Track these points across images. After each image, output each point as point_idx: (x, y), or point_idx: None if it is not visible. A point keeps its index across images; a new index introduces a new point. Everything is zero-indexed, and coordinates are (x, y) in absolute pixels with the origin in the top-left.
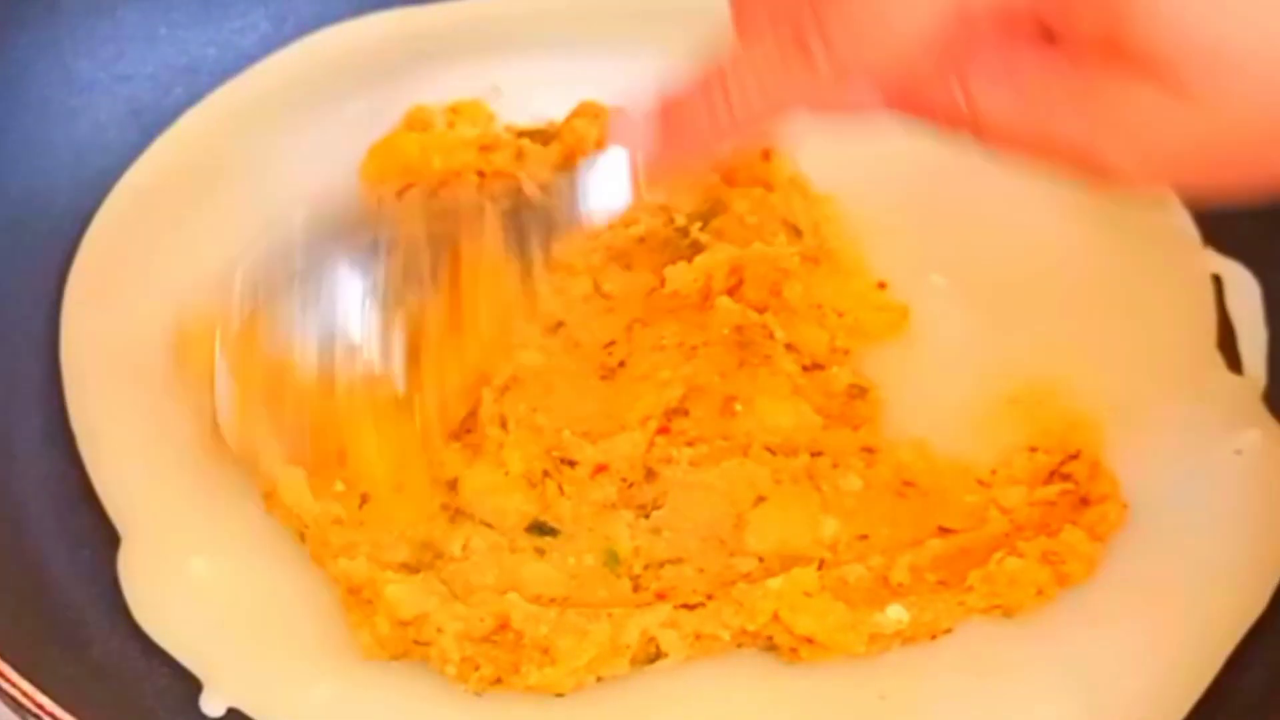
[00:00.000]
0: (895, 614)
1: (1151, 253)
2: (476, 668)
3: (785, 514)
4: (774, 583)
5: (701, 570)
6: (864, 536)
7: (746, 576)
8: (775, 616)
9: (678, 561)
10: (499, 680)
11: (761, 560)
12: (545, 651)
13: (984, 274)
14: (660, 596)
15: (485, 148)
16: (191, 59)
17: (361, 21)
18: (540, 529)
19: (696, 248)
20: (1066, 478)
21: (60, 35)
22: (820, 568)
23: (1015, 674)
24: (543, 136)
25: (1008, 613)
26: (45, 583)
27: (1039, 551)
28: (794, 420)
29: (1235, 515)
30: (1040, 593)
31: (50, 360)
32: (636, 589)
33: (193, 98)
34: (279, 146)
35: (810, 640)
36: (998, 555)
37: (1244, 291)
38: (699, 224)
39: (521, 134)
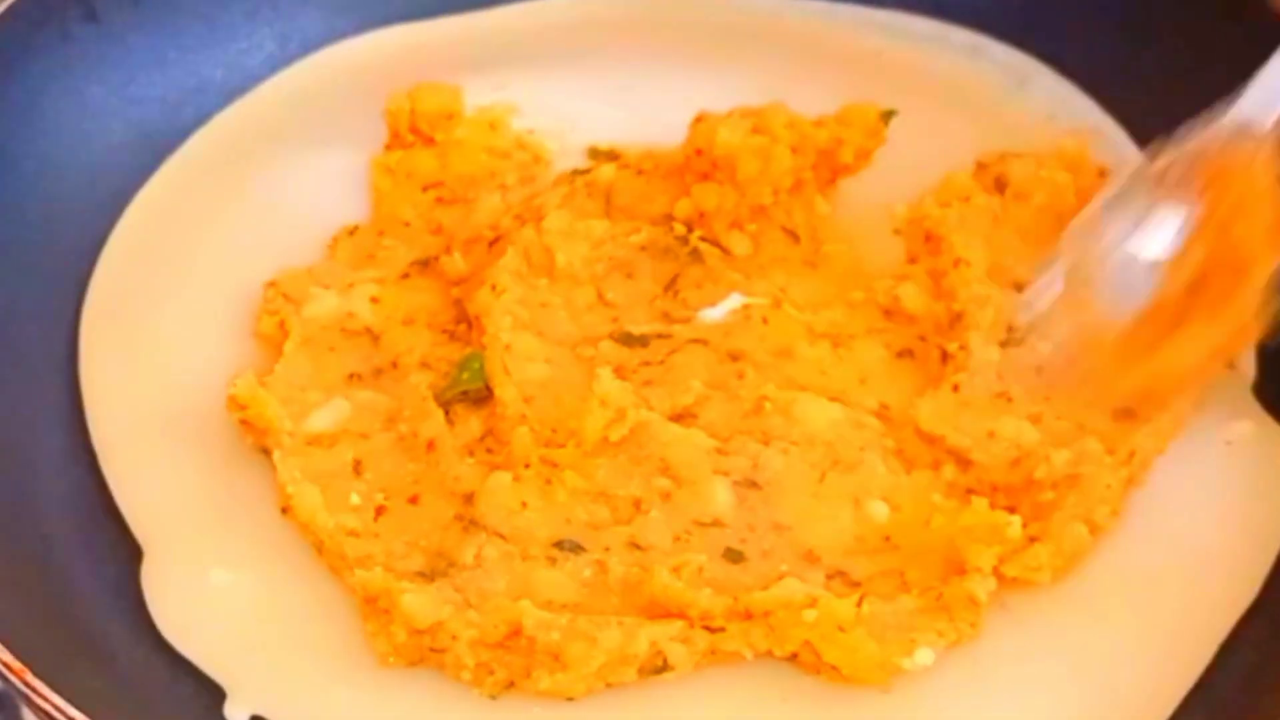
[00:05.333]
0: (923, 658)
1: None
2: (491, 672)
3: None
4: (809, 614)
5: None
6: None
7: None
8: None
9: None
10: (512, 684)
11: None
12: (556, 657)
13: None
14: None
15: (502, 155)
16: (200, 80)
17: (365, 38)
18: (565, 545)
19: (697, 255)
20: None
21: (72, 61)
22: (860, 603)
23: (1012, 663)
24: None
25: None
26: (70, 598)
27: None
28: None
29: (1226, 505)
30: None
31: (70, 379)
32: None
33: (202, 118)
34: (288, 164)
35: (834, 669)
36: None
37: None
38: (699, 232)
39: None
